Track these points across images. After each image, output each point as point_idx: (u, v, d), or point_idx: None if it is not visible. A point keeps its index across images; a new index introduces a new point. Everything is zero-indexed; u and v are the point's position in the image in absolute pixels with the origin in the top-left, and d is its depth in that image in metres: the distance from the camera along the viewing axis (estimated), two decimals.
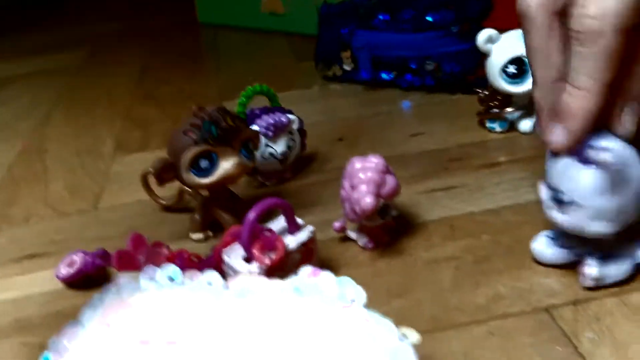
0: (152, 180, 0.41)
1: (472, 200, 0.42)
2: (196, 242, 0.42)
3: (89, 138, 0.63)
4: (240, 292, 0.26)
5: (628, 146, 0.30)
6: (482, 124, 0.53)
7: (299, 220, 0.35)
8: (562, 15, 0.30)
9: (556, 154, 0.31)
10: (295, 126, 0.47)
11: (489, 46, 0.48)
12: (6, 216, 0.49)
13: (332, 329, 0.23)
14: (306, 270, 0.27)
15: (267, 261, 0.31)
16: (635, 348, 0.29)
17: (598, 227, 0.30)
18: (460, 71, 0.59)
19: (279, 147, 0.46)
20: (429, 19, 0.59)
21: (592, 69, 0.29)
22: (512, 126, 0.52)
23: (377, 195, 0.34)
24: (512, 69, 0.48)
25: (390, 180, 0.35)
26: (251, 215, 0.31)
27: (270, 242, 0.32)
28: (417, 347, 0.29)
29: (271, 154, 0.45)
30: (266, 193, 0.47)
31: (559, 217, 0.31)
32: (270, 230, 0.33)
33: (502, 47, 0.48)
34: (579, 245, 0.33)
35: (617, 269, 0.32)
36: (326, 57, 0.67)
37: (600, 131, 0.30)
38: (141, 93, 0.75)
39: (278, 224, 0.34)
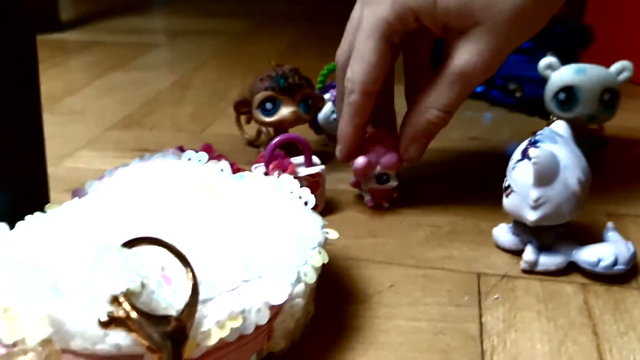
0: (242, 119, 0.55)
1: (485, 193, 0.49)
2: None
3: (224, 85, 0.78)
4: (237, 178, 0.37)
5: (564, 151, 0.36)
6: None
7: (317, 160, 0.45)
8: None
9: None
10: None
11: (548, 72, 0.54)
12: (139, 123, 0.65)
13: (275, 210, 0.34)
14: (284, 176, 0.37)
15: (276, 177, 0.42)
16: (523, 314, 0.35)
17: (524, 213, 0.37)
18: (541, 96, 0.65)
19: None
20: None
21: (346, 113, 0.44)
22: None
23: (372, 161, 0.43)
24: (562, 96, 0.53)
25: (390, 156, 0.44)
26: (273, 141, 0.42)
27: (283, 165, 0.42)
28: (357, 269, 0.39)
29: (335, 119, 0.56)
30: (324, 151, 0.57)
31: (504, 200, 0.38)
32: (288, 158, 0.43)
33: (558, 75, 0.53)
34: (525, 234, 0.39)
35: (550, 260, 0.38)
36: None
37: (543, 135, 0.37)
38: (280, 61, 0.89)
39: (299, 158, 0.45)
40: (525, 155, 0.37)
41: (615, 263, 0.37)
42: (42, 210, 0.33)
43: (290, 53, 0.94)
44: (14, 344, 0.24)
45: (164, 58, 0.94)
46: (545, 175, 0.36)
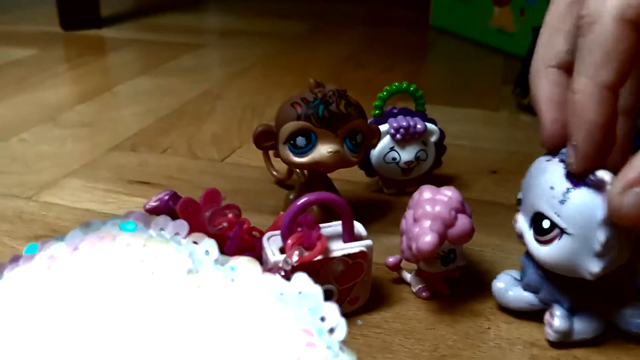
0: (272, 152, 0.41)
1: None
2: None
3: (263, 98, 0.65)
4: (224, 272, 0.23)
5: None
6: None
7: (360, 230, 0.30)
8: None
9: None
10: (432, 138, 0.41)
11: None
12: (152, 142, 0.52)
13: (270, 344, 0.19)
14: (304, 280, 0.23)
15: (295, 258, 0.27)
16: None
17: (584, 264, 0.26)
18: None
19: (406, 154, 0.41)
20: None
21: (588, 65, 0.24)
22: None
23: (442, 235, 0.28)
24: None
25: (462, 221, 0.28)
26: (297, 203, 0.28)
27: (310, 240, 0.28)
28: None
29: (393, 159, 0.41)
30: (377, 200, 0.43)
31: (543, 249, 0.27)
32: (317, 227, 0.29)
33: None
34: (546, 290, 0.29)
35: (587, 325, 0.28)
36: (526, 83, 0.60)
37: None
38: (335, 73, 0.75)
39: (336, 227, 0.30)
40: (581, 181, 0.25)
41: None
42: None
43: (350, 62, 0.80)
44: None
45: (203, 61, 0.81)
46: None
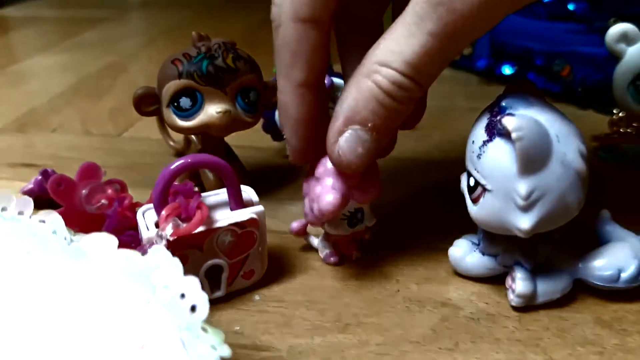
0: None
1: None
2: None
3: None
4: (74, 254, 0.20)
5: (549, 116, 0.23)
6: (596, 150, 0.40)
7: (253, 197, 0.27)
8: None
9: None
10: (340, 93, 0.38)
11: (621, 47, 0.35)
12: (41, 122, 0.48)
13: (119, 334, 0.16)
14: (162, 254, 0.19)
15: (169, 230, 0.24)
16: None
17: (513, 220, 0.23)
18: (599, 81, 0.46)
19: None
20: (570, 6, 0.46)
21: (281, 66, 0.25)
22: (635, 164, 0.38)
23: (346, 194, 0.25)
24: None
25: (368, 178, 0.26)
26: (169, 169, 0.24)
27: (188, 210, 0.25)
28: None
29: None
30: (285, 166, 0.40)
31: (473, 209, 0.25)
32: (197, 194, 0.25)
33: (637, 51, 0.35)
34: (506, 252, 0.26)
35: (552, 285, 0.25)
36: None
37: (509, 99, 0.24)
38: (249, 40, 0.71)
39: (224, 195, 0.27)
40: (494, 131, 0.23)
41: None
42: None
43: (265, 28, 0.75)
44: None
45: (109, 35, 0.75)
46: (536, 155, 0.22)
